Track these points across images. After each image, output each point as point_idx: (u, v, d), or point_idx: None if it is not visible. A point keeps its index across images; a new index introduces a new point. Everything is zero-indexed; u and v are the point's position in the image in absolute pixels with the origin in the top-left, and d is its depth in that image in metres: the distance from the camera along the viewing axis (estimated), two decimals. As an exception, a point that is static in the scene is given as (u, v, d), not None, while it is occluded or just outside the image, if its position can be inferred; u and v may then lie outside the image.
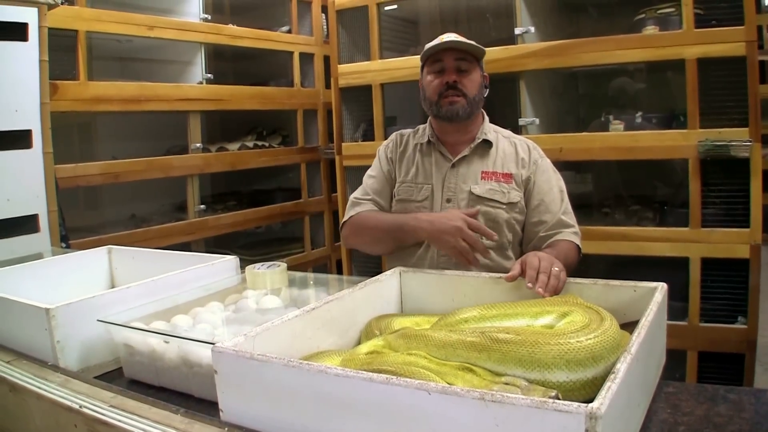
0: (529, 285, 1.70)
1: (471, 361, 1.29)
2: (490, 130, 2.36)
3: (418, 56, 2.39)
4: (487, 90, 2.36)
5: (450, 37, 2.26)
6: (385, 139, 2.68)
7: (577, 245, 2.22)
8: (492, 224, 2.21)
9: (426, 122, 2.43)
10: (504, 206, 2.23)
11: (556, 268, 1.73)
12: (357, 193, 2.45)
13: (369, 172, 2.49)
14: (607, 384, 1.03)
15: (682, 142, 3.07)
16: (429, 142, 2.37)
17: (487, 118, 2.41)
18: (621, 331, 1.33)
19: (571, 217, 2.28)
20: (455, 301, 1.83)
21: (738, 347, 3.06)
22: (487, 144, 2.32)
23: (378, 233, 2.31)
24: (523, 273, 1.75)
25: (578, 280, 1.72)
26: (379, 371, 1.16)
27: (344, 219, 2.42)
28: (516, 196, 2.25)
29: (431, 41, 2.30)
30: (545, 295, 1.63)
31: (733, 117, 2.99)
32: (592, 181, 3.94)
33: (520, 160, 2.30)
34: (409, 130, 2.50)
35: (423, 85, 2.34)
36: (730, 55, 2.94)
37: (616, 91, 3.74)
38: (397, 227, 2.23)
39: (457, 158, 2.31)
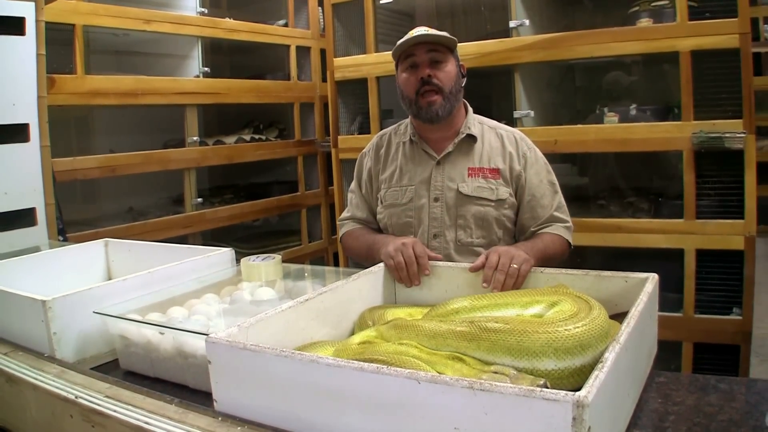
0: (484, 285, 1.77)
1: (461, 351, 1.30)
2: (474, 123, 2.30)
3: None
4: (465, 79, 2.28)
5: (420, 31, 2.18)
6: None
7: (567, 240, 2.21)
8: (481, 222, 2.20)
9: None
10: (492, 203, 2.20)
11: (515, 265, 1.77)
12: (344, 213, 2.54)
13: (351, 185, 2.52)
14: (595, 373, 1.04)
15: (677, 134, 3.08)
16: (411, 140, 2.32)
17: (470, 110, 2.33)
18: (611, 320, 1.35)
19: (564, 212, 2.26)
20: (448, 292, 1.84)
21: (733, 338, 3.07)
22: (471, 139, 2.26)
23: (360, 253, 2.36)
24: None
25: (570, 271, 1.73)
26: (371, 361, 1.17)
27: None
28: (504, 192, 2.21)
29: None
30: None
31: (727, 109, 2.99)
32: (587, 173, 3.95)
33: (508, 154, 2.25)
34: (390, 128, 2.46)
35: (399, 83, 2.27)
36: (723, 47, 2.95)
37: (610, 84, 3.75)
38: (368, 247, 2.28)
39: (441, 155, 2.26)
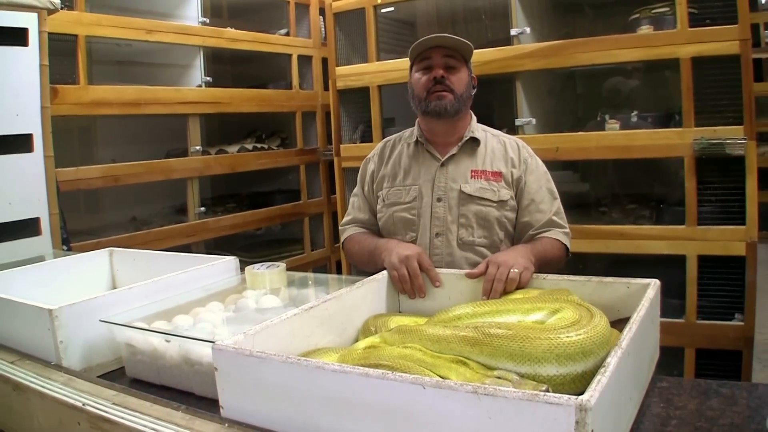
0: (483, 298, 1.79)
1: (464, 355, 1.31)
2: (478, 129, 2.34)
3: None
4: (475, 90, 2.34)
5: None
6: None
7: (565, 245, 2.23)
8: (483, 222, 2.22)
9: (415, 124, 2.42)
10: (494, 204, 2.23)
11: (516, 270, 1.80)
12: (345, 217, 2.53)
13: (355, 189, 2.54)
14: (597, 377, 1.05)
15: (678, 141, 3.09)
16: (417, 142, 2.36)
17: (474, 118, 2.38)
18: (611, 328, 1.36)
19: (562, 218, 2.28)
20: (452, 299, 1.85)
21: (735, 344, 3.07)
22: (475, 142, 2.31)
23: (362, 258, 2.36)
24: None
25: (572, 277, 1.74)
26: (376, 365, 1.19)
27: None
28: (506, 194, 2.24)
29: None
30: None
31: (727, 115, 3.00)
32: (588, 180, 3.95)
33: (510, 159, 2.30)
34: (395, 136, 2.50)
35: (411, 82, 2.31)
36: (724, 53, 2.96)
37: (609, 91, 3.76)
38: (370, 252, 2.26)
39: (445, 157, 2.29)
